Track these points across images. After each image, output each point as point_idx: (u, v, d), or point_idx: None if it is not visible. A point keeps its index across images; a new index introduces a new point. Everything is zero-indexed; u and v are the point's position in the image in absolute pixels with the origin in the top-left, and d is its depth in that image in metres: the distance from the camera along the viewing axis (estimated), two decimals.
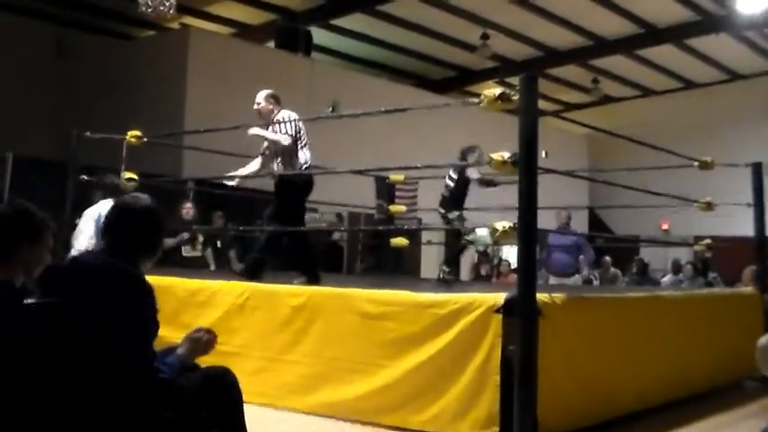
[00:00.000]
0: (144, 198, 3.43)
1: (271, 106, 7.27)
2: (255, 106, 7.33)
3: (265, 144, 7.29)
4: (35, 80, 15.44)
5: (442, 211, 8.44)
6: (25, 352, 2.77)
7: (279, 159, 7.13)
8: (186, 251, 10.33)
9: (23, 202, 3.16)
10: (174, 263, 9.55)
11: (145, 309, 3.01)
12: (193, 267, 9.44)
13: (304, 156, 7.09)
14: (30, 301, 2.88)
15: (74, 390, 2.82)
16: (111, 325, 2.87)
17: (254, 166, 7.47)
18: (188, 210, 10.22)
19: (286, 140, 7.00)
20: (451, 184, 8.29)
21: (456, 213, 8.39)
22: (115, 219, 3.21)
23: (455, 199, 8.36)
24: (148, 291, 3.04)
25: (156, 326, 3.08)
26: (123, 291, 2.97)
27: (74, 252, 6.64)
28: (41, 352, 2.80)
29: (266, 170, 7.37)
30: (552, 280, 11.14)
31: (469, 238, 8.76)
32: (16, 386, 2.74)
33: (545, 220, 5.13)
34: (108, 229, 3.20)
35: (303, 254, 7.23)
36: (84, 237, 7.11)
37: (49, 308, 2.88)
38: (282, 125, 7.06)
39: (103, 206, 6.93)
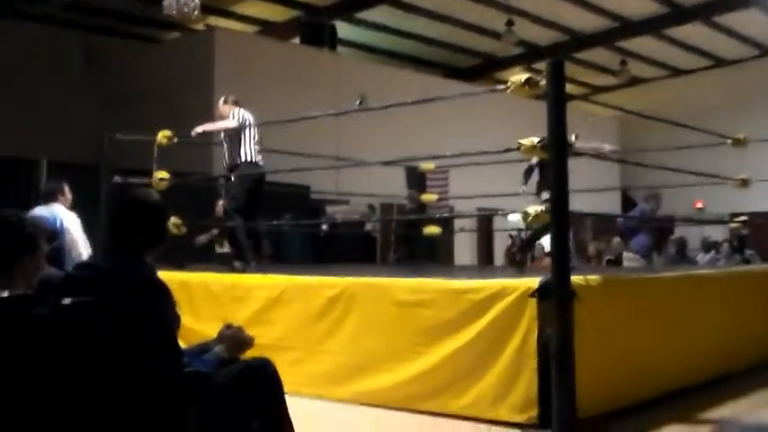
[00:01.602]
0: (146, 191, 3.44)
1: (227, 107, 7.85)
2: (217, 112, 7.99)
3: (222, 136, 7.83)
4: (66, 87, 15.63)
5: (523, 188, 8.07)
6: (42, 361, 2.76)
7: (227, 145, 7.70)
8: (219, 248, 10.43)
9: (13, 211, 3.15)
10: (208, 260, 9.63)
11: (163, 307, 3.00)
12: (227, 264, 9.54)
13: (249, 147, 7.59)
14: (66, 301, 2.87)
15: (102, 392, 2.81)
16: (134, 328, 2.84)
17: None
18: (220, 207, 10.32)
19: (231, 123, 7.61)
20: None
21: (547, 195, 8.08)
22: (119, 214, 3.19)
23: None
24: (163, 289, 3.03)
25: (177, 320, 3.08)
26: (139, 293, 2.95)
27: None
28: (64, 358, 2.77)
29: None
30: (634, 260, 11.00)
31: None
32: (39, 393, 2.76)
33: (577, 203, 5.14)
34: (113, 225, 3.16)
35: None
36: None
37: (71, 312, 2.83)
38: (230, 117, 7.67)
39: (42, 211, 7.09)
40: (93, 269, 3.08)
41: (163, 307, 3.00)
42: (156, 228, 3.20)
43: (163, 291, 3.03)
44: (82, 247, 7.09)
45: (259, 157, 7.68)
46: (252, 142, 7.63)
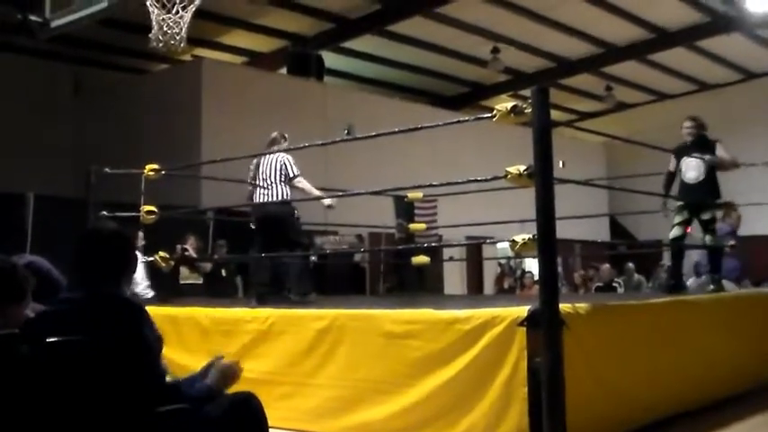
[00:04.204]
0: (108, 224, 3.47)
1: None
2: None
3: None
4: (53, 119, 15.64)
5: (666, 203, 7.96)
6: (24, 399, 2.76)
7: None
8: (183, 277, 10.38)
9: (4, 258, 3.14)
10: (173, 290, 9.52)
11: (144, 330, 2.99)
12: (192, 294, 9.49)
13: (255, 187, 7.82)
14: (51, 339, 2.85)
15: (88, 422, 2.81)
16: (117, 355, 2.85)
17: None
18: (191, 243, 10.29)
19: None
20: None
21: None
22: (87, 248, 3.18)
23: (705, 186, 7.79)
24: (142, 311, 3.03)
25: (159, 340, 3.09)
26: (119, 319, 2.94)
27: None
28: (46, 395, 2.78)
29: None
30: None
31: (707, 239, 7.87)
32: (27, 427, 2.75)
33: (566, 230, 5.15)
34: (82, 259, 3.15)
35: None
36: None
37: (50, 350, 2.83)
38: None
39: None
40: (66, 303, 3.07)
41: (142, 330, 2.98)
42: (117, 255, 3.17)
43: (137, 310, 3.02)
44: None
45: (260, 196, 7.74)
46: (256, 182, 7.76)
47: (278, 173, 7.69)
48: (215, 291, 11.44)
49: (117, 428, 2.83)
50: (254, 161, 7.83)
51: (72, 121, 15.94)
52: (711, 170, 7.82)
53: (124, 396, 2.84)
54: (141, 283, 9.83)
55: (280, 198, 7.67)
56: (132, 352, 2.89)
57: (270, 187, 7.69)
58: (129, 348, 2.88)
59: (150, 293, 9.94)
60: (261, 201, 7.71)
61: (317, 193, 7.91)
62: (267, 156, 7.80)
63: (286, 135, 8.09)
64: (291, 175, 7.69)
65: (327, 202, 7.93)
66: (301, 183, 7.74)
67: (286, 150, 7.85)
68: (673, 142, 8.22)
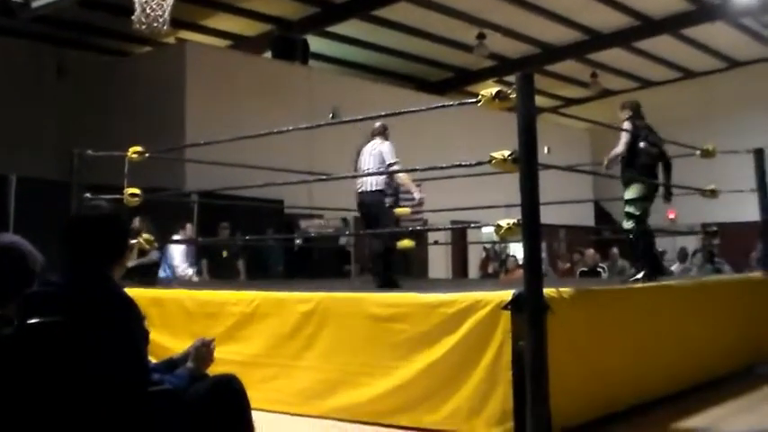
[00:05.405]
0: (103, 206, 3.41)
1: None
2: None
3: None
4: (37, 101, 15.49)
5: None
6: (5, 381, 2.75)
7: None
8: (132, 261, 10.39)
9: (14, 241, 3.12)
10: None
11: (130, 322, 2.94)
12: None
13: None
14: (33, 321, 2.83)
15: (68, 411, 2.78)
16: (97, 344, 2.81)
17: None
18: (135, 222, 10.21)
19: None
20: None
21: (631, 194, 7.40)
22: (77, 230, 3.09)
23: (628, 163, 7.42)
24: (127, 302, 2.96)
25: (145, 335, 3.02)
26: (102, 308, 2.88)
27: None
28: (28, 377, 2.77)
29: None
30: None
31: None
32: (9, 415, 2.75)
33: (551, 215, 5.16)
34: (72, 242, 3.05)
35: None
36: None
37: (35, 332, 2.81)
38: None
39: None
40: (54, 285, 3.00)
41: (127, 321, 2.94)
42: (113, 239, 3.10)
43: (126, 304, 2.96)
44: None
45: (358, 184, 7.81)
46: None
47: (375, 162, 7.73)
48: (216, 273, 11.45)
49: (99, 413, 2.82)
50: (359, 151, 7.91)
51: (55, 102, 15.80)
52: (628, 150, 7.58)
53: (104, 382, 2.82)
54: (181, 265, 9.97)
55: (373, 185, 7.70)
56: (111, 340, 2.84)
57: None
58: (107, 336, 2.84)
59: (190, 272, 10.09)
60: (358, 188, 7.79)
61: (411, 185, 8.00)
62: (368, 145, 7.86)
63: (387, 126, 8.03)
64: (388, 161, 7.68)
65: (417, 196, 7.99)
66: (396, 168, 7.74)
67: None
68: (656, 129, 8.25)
